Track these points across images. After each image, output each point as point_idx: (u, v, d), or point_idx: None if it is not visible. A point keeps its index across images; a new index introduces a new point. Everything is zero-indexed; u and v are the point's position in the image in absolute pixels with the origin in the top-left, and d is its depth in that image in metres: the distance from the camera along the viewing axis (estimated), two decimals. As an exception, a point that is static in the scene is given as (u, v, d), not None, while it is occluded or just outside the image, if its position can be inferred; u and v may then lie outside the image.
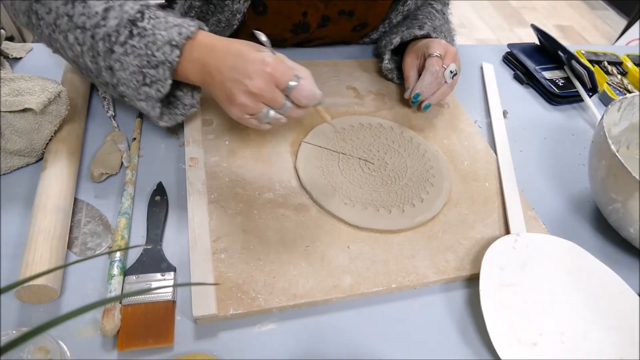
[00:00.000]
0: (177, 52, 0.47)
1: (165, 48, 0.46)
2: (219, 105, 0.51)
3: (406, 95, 0.66)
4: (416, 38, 0.69)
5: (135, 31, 0.46)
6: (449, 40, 0.68)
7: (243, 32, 0.69)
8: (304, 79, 0.47)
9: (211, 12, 0.65)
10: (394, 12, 0.75)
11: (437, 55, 0.63)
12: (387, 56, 0.70)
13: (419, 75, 0.66)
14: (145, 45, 0.46)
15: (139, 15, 0.46)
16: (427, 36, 0.68)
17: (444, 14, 0.75)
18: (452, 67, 0.63)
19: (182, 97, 0.55)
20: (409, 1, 0.73)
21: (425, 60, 0.64)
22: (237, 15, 0.63)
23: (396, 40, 0.69)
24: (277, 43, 0.72)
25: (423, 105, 0.65)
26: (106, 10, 0.46)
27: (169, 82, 0.48)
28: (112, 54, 0.47)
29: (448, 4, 0.78)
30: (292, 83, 0.47)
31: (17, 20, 0.51)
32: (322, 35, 0.74)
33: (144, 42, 0.46)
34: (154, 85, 0.48)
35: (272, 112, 0.48)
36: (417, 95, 0.64)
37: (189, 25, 0.48)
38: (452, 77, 0.64)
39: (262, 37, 0.48)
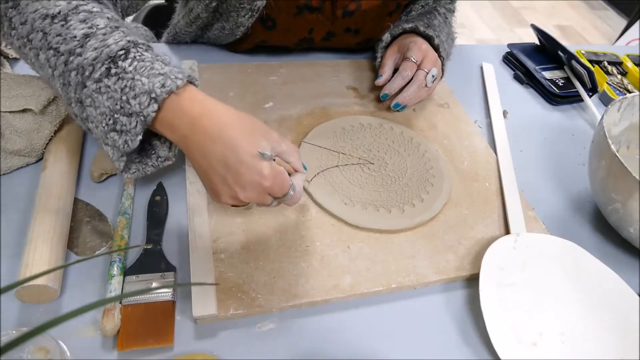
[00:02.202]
0: (154, 106, 0.39)
1: (142, 98, 0.39)
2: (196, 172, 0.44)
3: (377, 82, 0.66)
4: (405, 32, 0.68)
5: (113, 70, 0.39)
6: (436, 41, 0.66)
7: (246, 41, 0.69)
8: (297, 186, 0.45)
9: (216, 20, 0.65)
10: (397, 20, 0.75)
11: (412, 61, 0.63)
12: (379, 54, 0.70)
13: (395, 69, 0.66)
14: (121, 90, 0.39)
15: (122, 52, 0.40)
16: (415, 30, 0.67)
17: (446, 18, 0.74)
18: (434, 71, 0.63)
19: (158, 147, 0.46)
20: (413, 12, 0.73)
21: (403, 61, 0.64)
22: (241, 27, 0.64)
23: (386, 37, 0.69)
24: (281, 50, 0.73)
25: (392, 104, 0.65)
26: (86, 36, 0.39)
27: (139, 137, 0.41)
28: (84, 89, 0.40)
29: (453, 12, 0.76)
30: (287, 197, 0.44)
31: None
32: (325, 46, 0.75)
33: (121, 85, 0.39)
34: (122, 136, 0.41)
35: (256, 205, 0.49)
36: (386, 95, 0.64)
37: (176, 77, 0.40)
38: (432, 82, 0.64)
39: (267, 153, 0.42)
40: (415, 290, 0.48)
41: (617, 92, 0.83)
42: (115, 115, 0.40)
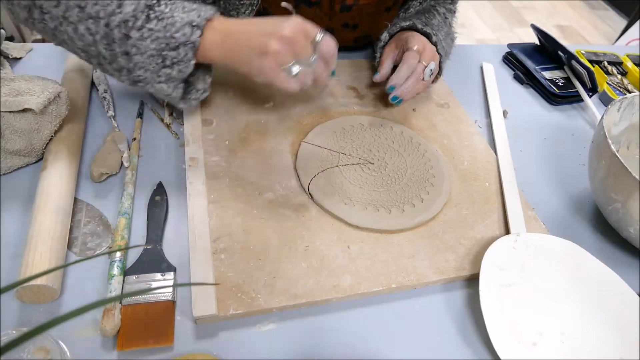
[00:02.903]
0: (198, 32, 0.47)
1: (185, 29, 0.47)
2: (244, 70, 0.51)
3: (375, 78, 0.65)
4: (402, 30, 0.68)
5: (152, 15, 0.46)
6: (434, 38, 0.66)
7: None
8: (327, 35, 0.50)
9: None
10: (396, 18, 0.75)
11: (415, 50, 0.63)
12: (377, 53, 0.70)
13: (395, 65, 0.65)
14: (164, 28, 0.46)
15: (155, 0, 0.47)
16: (413, 27, 0.67)
17: (446, 18, 0.74)
18: (432, 65, 0.63)
19: (195, 82, 0.55)
20: (411, 9, 0.73)
21: (403, 53, 0.64)
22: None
23: (384, 36, 0.69)
24: None
25: (390, 97, 0.63)
26: None
27: (192, 62, 0.49)
28: (129, 40, 0.46)
29: (454, 12, 0.76)
30: (319, 36, 0.49)
31: (14, 16, 0.50)
32: None
33: (162, 24, 0.46)
34: (175, 67, 0.49)
35: (299, 67, 0.50)
36: (392, 87, 0.63)
37: (207, 9, 0.49)
38: (430, 76, 0.64)
39: (289, 6, 0.52)
40: (415, 290, 0.48)
41: (617, 92, 0.83)
42: (164, 53, 0.47)
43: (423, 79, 0.63)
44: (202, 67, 0.55)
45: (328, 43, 0.51)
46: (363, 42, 0.77)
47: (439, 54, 0.66)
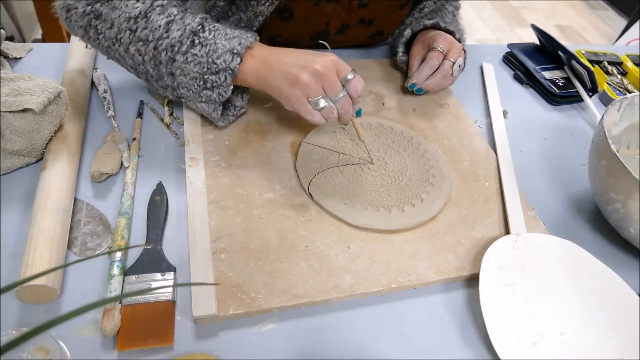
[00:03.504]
0: (238, 60, 0.51)
1: (226, 56, 0.51)
2: (274, 96, 0.53)
3: (406, 84, 0.69)
4: (425, 28, 0.71)
5: (197, 41, 0.50)
6: (457, 35, 0.69)
7: (263, 34, 0.69)
8: (358, 75, 0.53)
9: (233, 12, 0.65)
10: (409, 17, 0.76)
11: (439, 50, 0.66)
12: (400, 49, 0.72)
13: (421, 61, 0.68)
14: (207, 54, 0.50)
15: (199, 27, 0.51)
16: (436, 26, 0.69)
17: (454, 15, 0.78)
18: (460, 61, 0.66)
19: (234, 100, 0.59)
20: (426, 9, 0.75)
21: (429, 51, 0.66)
22: (260, 17, 0.64)
23: (407, 33, 0.71)
24: (294, 45, 0.73)
25: (415, 88, 0.68)
26: (168, 23, 0.50)
27: (231, 87, 0.52)
28: (174, 62, 0.51)
29: (459, 9, 0.79)
30: (350, 75, 0.52)
31: (72, 32, 0.55)
32: (339, 40, 0.75)
33: (205, 50, 0.50)
34: (215, 90, 0.52)
35: (325, 102, 0.52)
36: (413, 84, 0.67)
37: (248, 37, 0.52)
38: (459, 72, 0.67)
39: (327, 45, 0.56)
40: (415, 290, 0.48)
41: (617, 92, 0.83)
42: (205, 76, 0.51)
43: (452, 74, 0.67)
44: (240, 87, 0.58)
45: (357, 82, 0.52)
46: (377, 39, 0.78)
47: (463, 50, 0.68)
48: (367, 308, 0.46)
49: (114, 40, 0.52)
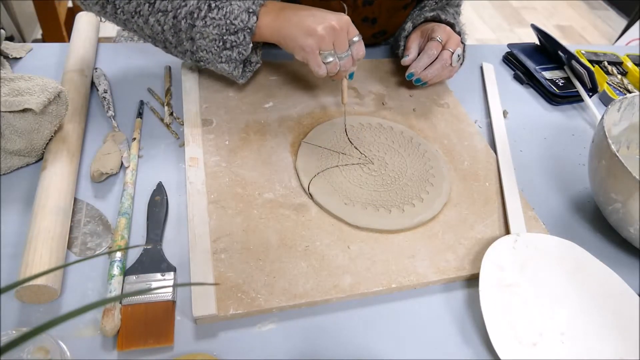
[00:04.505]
0: (254, 18, 0.54)
1: (242, 16, 0.53)
2: (288, 45, 0.56)
3: (403, 61, 0.69)
4: (426, 21, 0.71)
5: (213, 4, 0.53)
6: (457, 29, 0.70)
7: None
8: (362, 41, 0.57)
9: None
10: (409, 16, 0.76)
11: (438, 40, 0.66)
12: (402, 43, 0.72)
13: (420, 52, 0.68)
14: (224, 15, 0.53)
15: None
16: (436, 18, 0.70)
17: (454, 17, 0.77)
18: (459, 51, 0.66)
19: (249, 56, 0.61)
20: (426, 8, 0.75)
21: (428, 41, 0.67)
22: None
23: (408, 26, 0.71)
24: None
25: (414, 79, 0.67)
26: None
27: (250, 45, 0.56)
28: (194, 28, 0.54)
29: (459, 15, 0.79)
30: (356, 38, 0.56)
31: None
32: None
33: (222, 12, 0.53)
34: (235, 49, 0.55)
35: (332, 57, 0.56)
36: (411, 74, 0.67)
37: None
38: (457, 62, 0.67)
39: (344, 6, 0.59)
40: (415, 290, 0.48)
41: (617, 92, 0.83)
42: (224, 37, 0.54)
43: (451, 64, 0.66)
44: (254, 43, 0.60)
45: (361, 46, 0.57)
46: (380, 39, 0.79)
47: (462, 42, 0.68)
48: (367, 308, 0.46)
49: (133, 13, 0.54)
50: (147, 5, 0.53)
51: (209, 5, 0.53)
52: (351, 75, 0.60)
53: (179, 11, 0.53)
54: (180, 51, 0.58)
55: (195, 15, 0.53)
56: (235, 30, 0.54)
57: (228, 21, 0.53)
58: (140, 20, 0.55)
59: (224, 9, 0.53)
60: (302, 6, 0.56)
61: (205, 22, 0.53)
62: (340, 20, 0.54)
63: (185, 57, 0.59)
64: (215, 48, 0.55)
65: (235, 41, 0.54)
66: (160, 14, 0.53)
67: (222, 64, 0.57)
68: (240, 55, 0.56)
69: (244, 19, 0.53)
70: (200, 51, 0.56)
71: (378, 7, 0.70)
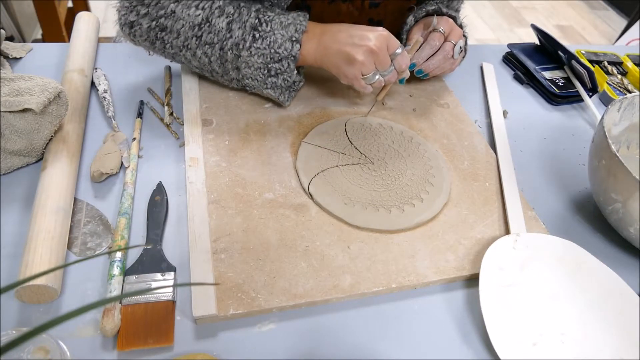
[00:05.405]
0: (297, 46, 0.56)
1: (286, 44, 0.55)
2: (332, 72, 0.58)
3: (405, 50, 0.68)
4: (428, 14, 0.71)
5: (257, 35, 0.55)
6: (459, 21, 0.70)
7: None
8: (404, 50, 0.57)
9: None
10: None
11: (440, 31, 0.66)
12: (403, 36, 0.72)
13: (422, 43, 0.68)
14: (269, 45, 0.55)
15: (256, 21, 0.55)
16: (438, 11, 0.70)
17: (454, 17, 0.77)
18: (461, 42, 0.66)
19: (294, 77, 0.62)
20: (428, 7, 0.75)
21: (430, 33, 0.67)
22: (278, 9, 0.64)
23: (410, 20, 0.71)
24: None
25: (415, 70, 0.67)
26: (229, 24, 0.55)
27: (295, 72, 0.58)
28: (239, 58, 0.56)
29: (459, 12, 0.79)
30: (399, 50, 0.57)
31: (134, 44, 0.60)
32: None
33: (267, 42, 0.55)
34: (279, 76, 0.58)
35: (377, 75, 0.57)
36: (413, 65, 0.66)
37: (301, 21, 0.56)
38: (459, 54, 0.67)
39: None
40: (415, 290, 0.48)
41: (617, 92, 0.83)
42: (269, 65, 0.56)
43: (453, 56, 0.66)
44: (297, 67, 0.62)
45: (404, 57, 0.58)
46: None
47: (464, 35, 0.69)
48: (367, 308, 0.46)
49: (181, 47, 0.57)
50: (194, 39, 0.55)
51: (254, 36, 0.55)
52: (402, 81, 0.62)
53: (224, 43, 0.55)
54: (227, 79, 0.60)
55: (241, 47, 0.55)
56: (280, 58, 0.56)
57: (272, 50, 0.55)
58: (189, 53, 0.57)
59: (268, 38, 0.55)
60: (341, 28, 0.56)
61: (251, 52, 0.55)
62: (379, 39, 0.55)
63: (232, 84, 0.61)
64: (261, 76, 0.57)
65: (280, 68, 0.57)
66: (207, 46, 0.56)
67: (268, 89, 0.59)
68: (286, 82, 0.58)
69: (287, 47, 0.55)
70: (246, 79, 0.58)
71: (384, 10, 0.71)
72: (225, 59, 0.56)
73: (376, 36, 0.55)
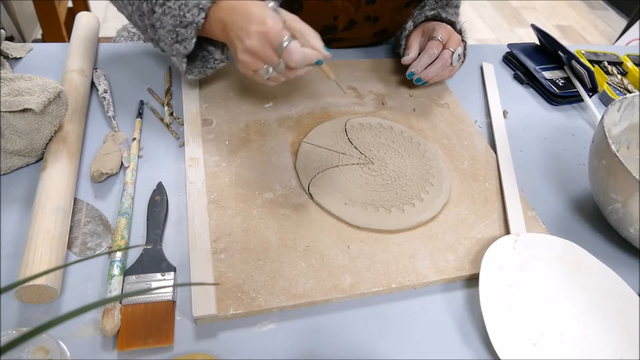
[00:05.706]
0: (202, 14, 0.52)
1: (193, 10, 0.52)
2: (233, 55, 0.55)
3: (404, 60, 0.68)
4: (427, 20, 0.71)
5: None
6: (458, 27, 0.70)
7: None
8: (295, 41, 0.50)
9: None
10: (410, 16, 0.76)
11: (439, 39, 0.66)
12: (402, 42, 0.72)
13: (420, 51, 0.68)
14: (179, 7, 0.53)
15: None
16: (437, 17, 0.70)
17: (454, 14, 0.77)
18: (459, 50, 0.66)
19: (213, 52, 0.60)
20: (427, 7, 0.75)
21: (428, 41, 0.67)
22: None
23: (409, 25, 0.71)
24: None
25: (414, 79, 0.67)
26: None
27: (194, 40, 0.54)
28: (154, 14, 0.54)
29: (458, 13, 0.79)
30: (283, 44, 0.49)
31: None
32: (345, 37, 0.75)
33: (178, 3, 0.53)
34: (182, 43, 0.54)
35: (271, 70, 0.52)
36: (412, 73, 0.66)
37: None
38: (457, 61, 0.67)
39: (270, 3, 0.52)
40: (415, 290, 0.48)
41: (617, 92, 0.83)
42: (177, 29, 0.54)
43: (451, 64, 0.66)
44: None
45: (292, 52, 0.49)
46: (381, 37, 0.79)
47: (463, 41, 0.69)
48: (367, 308, 0.46)
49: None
50: None
51: None
52: (319, 62, 0.53)
53: None
54: (148, 38, 0.59)
55: (154, 1, 0.54)
56: (187, 23, 0.53)
57: (181, 13, 0.52)
58: (120, 1, 0.58)
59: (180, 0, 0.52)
60: (241, 10, 0.51)
61: (164, 10, 0.53)
62: (256, 38, 0.50)
63: (155, 46, 0.59)
64: (169, 39, 0.55)
65: (184, 35, 0.54)
66: None
67: (173, 57, 0.57)
68: (185, 50, 0.55)
69: (194, 13, 0.52)
70: (160, 41, 0.57)
71: (381, 6, 0.70)
72: (142, 11, 0.55)
73: (256, 32, 0.50)
